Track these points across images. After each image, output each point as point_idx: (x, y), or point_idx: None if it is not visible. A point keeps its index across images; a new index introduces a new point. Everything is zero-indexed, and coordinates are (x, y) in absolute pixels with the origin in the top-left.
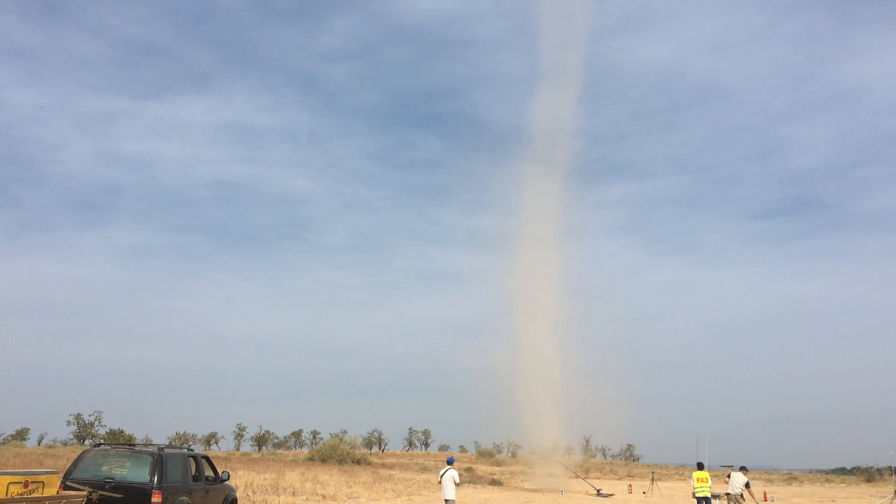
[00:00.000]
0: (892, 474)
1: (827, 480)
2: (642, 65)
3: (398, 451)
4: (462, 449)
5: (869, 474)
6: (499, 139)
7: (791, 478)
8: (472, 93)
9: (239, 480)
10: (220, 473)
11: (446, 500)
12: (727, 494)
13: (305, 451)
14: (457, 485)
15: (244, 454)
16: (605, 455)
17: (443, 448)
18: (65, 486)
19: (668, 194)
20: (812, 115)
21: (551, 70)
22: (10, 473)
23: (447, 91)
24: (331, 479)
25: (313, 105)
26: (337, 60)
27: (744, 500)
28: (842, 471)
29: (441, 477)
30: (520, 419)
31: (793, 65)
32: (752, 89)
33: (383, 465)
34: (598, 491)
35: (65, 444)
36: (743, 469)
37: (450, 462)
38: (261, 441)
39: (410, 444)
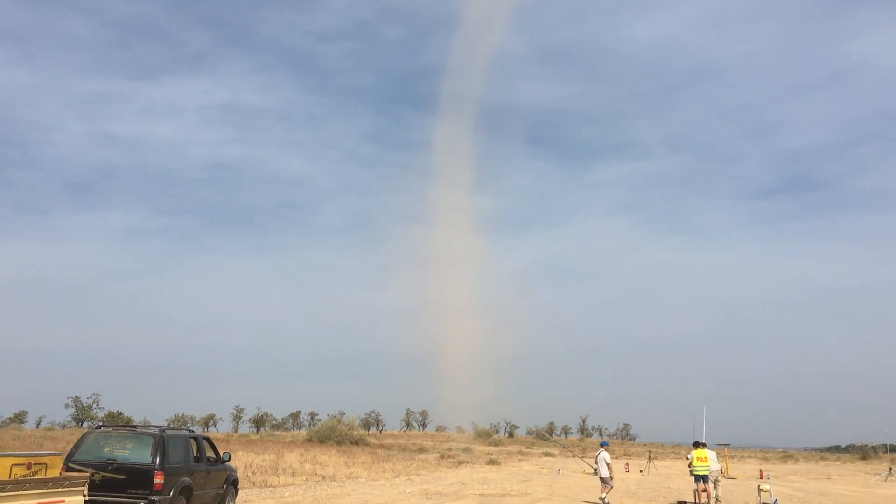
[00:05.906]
0: (886, 452)
1: (822, 458)
2: (639, 44)
3: (396, 432)
4: (459, 430)
5: (863, 452)
6: (494, 119)
7: (786, 456)
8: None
9: (238, 461)
10: (221, 454)
11: (602, 479)
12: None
13: (304, 432)
14: (608, 465)
15: (242, 435)
16: (601, 434)
17: (440, 429)
18: (67, 468)
19: (666, 174)
20: (809, 93)
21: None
22: (13, 455)
23: (443, 70)
24: (329, 459)
25: (309, 85)
26: (332, 40)
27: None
28: (836, 449)
29: (596, 458)
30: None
31: (790, 43)
32: (749, 67)
33: (381, 446)
34: (595, 470)
35: (63, 426)
36: (703, 445)
37: (603, 445)
38: (259, 422)
39: (408, 424)
